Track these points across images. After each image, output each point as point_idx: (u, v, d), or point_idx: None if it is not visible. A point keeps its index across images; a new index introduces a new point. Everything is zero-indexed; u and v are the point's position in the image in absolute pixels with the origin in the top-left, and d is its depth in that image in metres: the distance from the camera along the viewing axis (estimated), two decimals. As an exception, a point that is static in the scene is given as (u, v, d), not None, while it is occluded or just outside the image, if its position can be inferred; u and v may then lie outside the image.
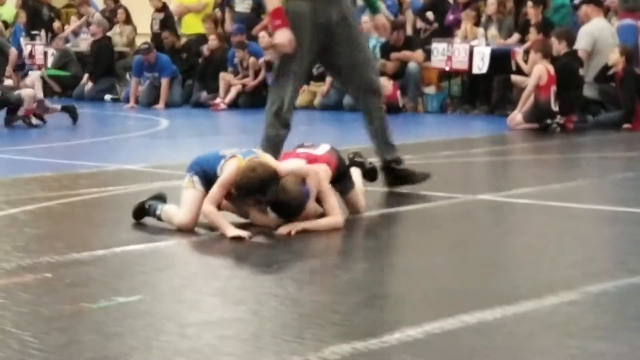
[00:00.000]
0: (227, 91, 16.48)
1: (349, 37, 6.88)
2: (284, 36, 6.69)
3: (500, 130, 11.99)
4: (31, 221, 6.34)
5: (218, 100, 16.35)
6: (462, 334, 3.73)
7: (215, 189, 5.64)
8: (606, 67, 12.53)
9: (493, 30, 14.91)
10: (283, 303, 4.26)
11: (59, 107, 13.49)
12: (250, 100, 16.30)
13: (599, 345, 3.60)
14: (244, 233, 5.48)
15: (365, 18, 16.16)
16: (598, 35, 13.03)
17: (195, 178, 5.79)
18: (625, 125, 12.11)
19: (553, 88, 12.05)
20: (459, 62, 14.59)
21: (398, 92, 15.11)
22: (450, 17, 16.54)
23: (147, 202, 5.97)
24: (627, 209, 6.32)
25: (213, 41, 16.85)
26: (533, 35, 13.73)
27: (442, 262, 5.07)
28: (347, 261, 5.31)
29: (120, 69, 18.80)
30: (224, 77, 16.51)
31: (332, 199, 5.75)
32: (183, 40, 18.32)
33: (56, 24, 20.90)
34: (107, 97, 18.16)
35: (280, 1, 6.78)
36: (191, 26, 18.29)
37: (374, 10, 7.39)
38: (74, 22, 20.26)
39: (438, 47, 14.92)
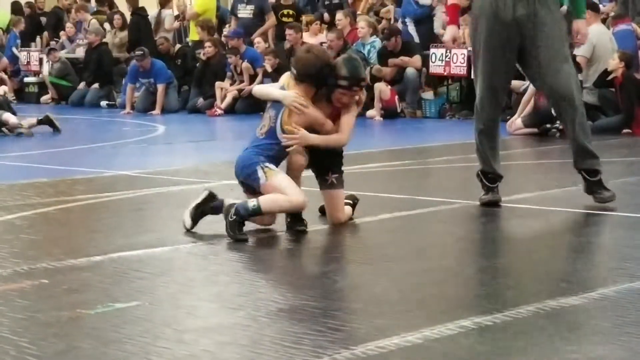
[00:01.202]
0: (223, 97, 16.52)
1: (541, 37, 6.42)
2: (446, 33, 6.76)
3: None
4: (28, 227, 6.35)
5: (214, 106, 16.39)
6: (461, 339, 3.74)
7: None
8: (605, 73, 12.55)
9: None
10: (281, 309, 4.27)
11: (34, 120, 13.29)
12: (247, 106, 16.31)
13: (599, 351, 3.61)
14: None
15: (362, 24, 16.27)
16: (597, 42, 13.05)
17: (269, 165, 5.81)
18: (625, 130, 12.14)
19: (552, 93, 12.08)
20: (457, 67, 14.62)
21: (396, 98, 15.14)
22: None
23: (208, 205, 5.91)
24: (627, 214, 6.33)
25: (209, 47, 16.88)
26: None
27: (440, 267, 5.08)
28: (346, 266, 5.32)
29: (116, 75, 18.83)
30: (220, 85, 16.55)
31: (351, 119, 5.95)
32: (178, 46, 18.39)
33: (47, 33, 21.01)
34: (103, 103, 18.20)
35: None
36: (195, 33, 18.39)
37: (578, 12, 6.75)
38: (69, 29, 20.26)
39: (436, 53, 14.96)
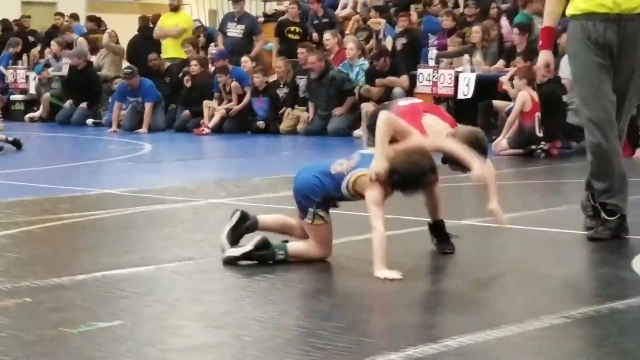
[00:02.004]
0: (211, 116, 16.54)
1: (627, 67, 6.19)
2: (539, 59, 6.54)
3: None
4: (12, 245, 6.34)
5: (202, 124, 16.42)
6: (445, 358, 3.75)
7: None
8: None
9: (478, 57, 15.03)
10: (266, 328, 4.27)
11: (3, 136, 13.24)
12: (235, 125, 16.37)
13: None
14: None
15: (351, 45, 16.33)
16: (581, 63, 13.13)
17: (321, 212, 5.60)
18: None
19: (537, 114, 12.17)
20: (445, 87, 14.68)
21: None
22: (436, 42, 16.65)
23: (255, 254, 5.60)
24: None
25: (195, 66, 16.90)
26: (519, 62, 13.85)
27: (425, 287, 5.10)
28: (331, 286, 5.32)
29: (103, 93, 18.85)
30: (207, 104, 16.58)
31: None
32: (166, 64, 18.38)
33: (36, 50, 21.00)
34: (89, 121, 18.20)
35: (551, 21, 6.55)
36: (168, 50, 18.43)
37: None
38: (54, 47, 20.23)
39: (424, 73, 15.03)
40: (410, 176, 5.37)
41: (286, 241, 5.71)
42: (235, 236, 5.76)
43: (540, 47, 6.45)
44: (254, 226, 5.81)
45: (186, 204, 8.09)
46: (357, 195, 5.50)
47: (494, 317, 4.41)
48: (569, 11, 6.32)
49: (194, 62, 16.94)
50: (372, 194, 5.38)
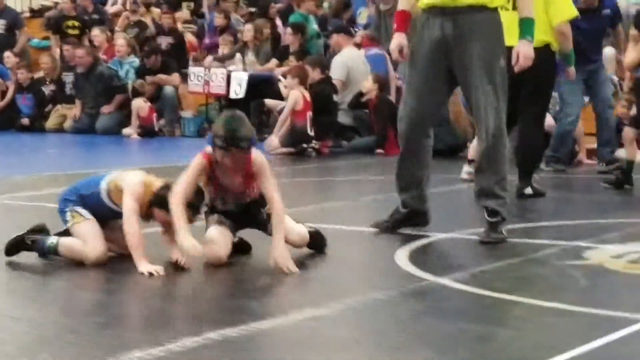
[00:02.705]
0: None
1: (464, 60, 6.14)
2: (392, 42, 6.31)
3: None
4: None
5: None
6: (205, 351, 3.75)
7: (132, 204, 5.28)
8: (360, 94, 12.95)
9: (250, 56, 15.14)
10: (20, 325, 4.17)
11: None
12: (-1, 122, 15.97)
13: (341, 357, 3.70)
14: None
15: (121, 42, 16.12)
16: (351, 65, 13.49)
17: (79, 209, 5.42)
18: (378, 150, 12.55)
19: (309, 113, 12.37)
20: (217, 87, 14.71)
21: (154, 116, 15.11)
22: (207, 41, 16.69)
23: (29, 237, 5.47)
24: (375, 229, 6.52)
25: None
26: (292, 61, 14.06)
27: (186, 283, 5.10)
28: (94, 283, 5.24)
29: None
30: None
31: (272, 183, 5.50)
32: None
33: None
34: None
35: (406, 4, 6.39)
36: None
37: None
38: None
39: (195, 72, 15.00)
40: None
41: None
42: (19, 248, 5.51)
43: (394, 30, 6.37)
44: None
45: None
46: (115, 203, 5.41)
47: (255, 310, 4.45)
48: (419, 4, 6.34)
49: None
50: (129, 203, 5.30)
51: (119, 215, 5.37)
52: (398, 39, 6.28)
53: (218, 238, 5.45)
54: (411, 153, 6.36)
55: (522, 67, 6.22)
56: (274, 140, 12.51)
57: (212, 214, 5.62)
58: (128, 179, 5.41)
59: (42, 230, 5.57)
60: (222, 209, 5.61)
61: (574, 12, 8.44)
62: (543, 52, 8.06)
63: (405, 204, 6.42)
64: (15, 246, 5.49)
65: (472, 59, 6.10)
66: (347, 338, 4.04)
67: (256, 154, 5.44)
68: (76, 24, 17.46)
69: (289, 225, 5.55)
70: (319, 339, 4.02)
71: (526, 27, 6.26)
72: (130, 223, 5.26)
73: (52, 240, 5.45)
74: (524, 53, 6.18)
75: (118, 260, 5.47)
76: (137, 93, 15.23)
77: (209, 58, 15.85)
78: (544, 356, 3.63)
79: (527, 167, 8.44)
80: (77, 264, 5.35)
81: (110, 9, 19.24)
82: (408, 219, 6.44)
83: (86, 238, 5.40)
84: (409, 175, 6.39)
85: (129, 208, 5.29)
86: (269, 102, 13.81)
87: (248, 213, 5.61)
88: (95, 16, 18.41)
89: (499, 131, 6.13)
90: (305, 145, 12.33)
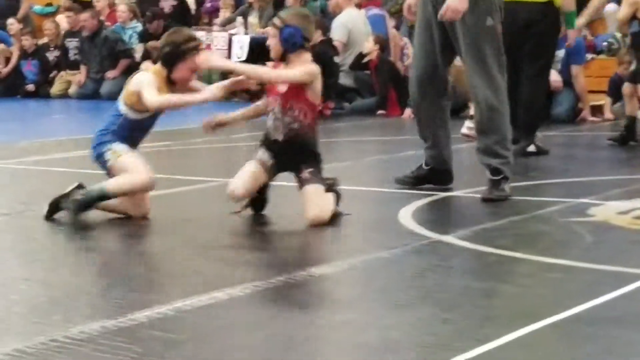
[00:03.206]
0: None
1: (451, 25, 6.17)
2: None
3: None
4: None
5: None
6: (213, 310, 3.77)
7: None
8: (361, 56, 12.91)
9: (253, 19, 15.07)
10: (32, 286, 4.19)
11: None
12: (3, 89, 15.91)
13: (346, 315, 3.72)
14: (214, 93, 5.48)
15: (123, 7, 16.03)
16: (352, 26, 13.42)
17: (116, 146, 5.49)
18: (380, 112, 12.53)
19: (311, 75, 12.32)
20: (219, 50, 14.65)
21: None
22: (208, 4, 16.61)
23: (73, 195, 5.42)
24: (378, 189, 6.54)
25: None
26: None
27: (191, 242, 5.10)
28: (101, 242, 5.25)
29: None
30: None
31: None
32: None
33: None
34: None
35: None
36: None
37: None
38: None
39: (197, 35, 14.94)
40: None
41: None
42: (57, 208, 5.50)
43: None
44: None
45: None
46: (135, 103, 5.47)
47: (261, 271, 4.48)
48: None
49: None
50: (149, 94, 5.37)
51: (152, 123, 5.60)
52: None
53: (245, 175, 5.54)
54: (423, 113, 6.38)
55: (448, 19, 6.11)
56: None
57: (262, 146, 5.64)
58: (134, 82, 5.48)
59: (80, 187, 5.55)
60: (273, 137, 5.59)
61: None
62: (546, 8, 8.07)
63: (427, 161, 6.49)
64: (55, 206, 5.48)
65: (457, 24, 6.11)
66: (351, 296, 4.07)
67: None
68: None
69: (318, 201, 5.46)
70: (323, 297, 4.05)
71: None
72: (159, 99, 5.38)
73: (96, 188, 5.45)
74: (452, 6, 6.02)
75: (125, 222, 5.50)
76: (147, 56, 15.13)
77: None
78: (549, 312, 3.64)
79: (530, 124, 8.41)
80: (85, 227, 5.38)
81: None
82: (430, 177, 6.49)
83: (132, 168, 5.46)
84: (428, 134, 6.42)
85: (152, 96, 5.36)
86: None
87: (294, 148, 5.56)
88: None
89: (495, 98, 6.15)
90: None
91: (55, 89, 15.86)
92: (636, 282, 4.10)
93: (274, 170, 5.63)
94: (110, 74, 15.38)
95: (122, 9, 15.99)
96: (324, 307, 3.89)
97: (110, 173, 5.54)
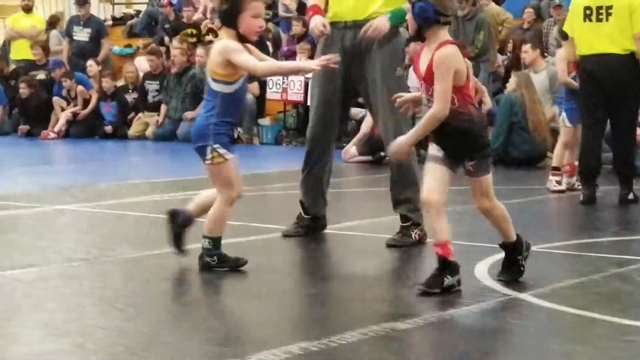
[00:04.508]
0: (56, 122, 16.31)
1: (362, 71, 6.42)
2: (312, 22, 6.45)
3: (334, 162, 12.16)
4: None
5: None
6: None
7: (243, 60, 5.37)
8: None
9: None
10: (109, 335, 4.25)
11: None
12: (82, 130, 16.18)
13: None
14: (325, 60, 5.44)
15: (200, 51, 16.26)
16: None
17: (218, 147, 5.46)
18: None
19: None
20: (295, 94, 14.79)
21: (235, 124, 15.24)
22: (285, 49, 16.78)
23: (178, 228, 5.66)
24: (455, 242, 6.50)
25: (24, 89, 16.55)
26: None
27: (272, 292, 5.13)
28: (179, 290, 5.31)
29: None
30: (57, 101, 16.35)
31: (444, 85, 5.01)
32: (12, 66, 18.02)
33: None
34: None
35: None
36: (20, 52, 18.01)
37: None
38: None
39: (273, 79, 15.09)
40: None
41: None
42: (178, 238, 5.69)
43: (310, 16, 6.48)
44: (188, 220, 5.70)
45: (30, 210, 7.95)
46: (225, 75, 5.44)
47: (336, 324, 4.48)
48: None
49: (22, 85, 16.56)
50: (240, 57, 5.36)
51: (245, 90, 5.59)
52: (316, 19, 6.38)
53: (432, 183, 4.99)
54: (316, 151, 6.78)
55: (369, 37, 6.29)
56: (351, 148, 12.54)
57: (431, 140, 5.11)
58: (218, 51, 5.43)
59: (175, 214, 5.71)
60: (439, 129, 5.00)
61: None
62: (629, 60, 8.13)
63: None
64: (179, 238, 5.67)
65: (371, 70, 6.33)
66: (422, 352, 4.06)
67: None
68: (194, 32, 17.55)
69: None
70: (399, 351, 4.04)
71: (396, 11, 6.29)
72: (266, 64, 5.46)
73: (206, 245, 5.53)
74: (376, 25, 6.24)
75: (195, 270, 5.55)
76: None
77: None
78: (627, 376, 3.61)
79: (625, 174, 8.56)
80: (142, 269, 5.43)
81: (191, 17, 19.40)
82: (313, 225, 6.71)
83: (225, 182, 5.49)
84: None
85: (253, 61, 5.38)
86: (354, 110, 13.81)
87: (463, 141, 5.02)
88: (175, 23, 18.59)
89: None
90: (383, 154, 12.31)
91: (133, 130, 16.10)
92: None
93: (456, 162, 5.06)
94: (189, 114, 15.44)
95: (199, 52, 16.20)
96: (399, 364, 3.88)
97: (207, 168, 5.56)
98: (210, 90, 5.52)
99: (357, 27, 6.36)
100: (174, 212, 5.73)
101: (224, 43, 5.45)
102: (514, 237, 5.24)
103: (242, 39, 5.47)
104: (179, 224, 5.68)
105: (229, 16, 5.47)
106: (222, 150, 5.46)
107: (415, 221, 6.41)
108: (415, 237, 6.40)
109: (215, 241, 5.53)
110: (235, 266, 5.54)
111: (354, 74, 6.43)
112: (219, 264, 5.52)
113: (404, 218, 6.47)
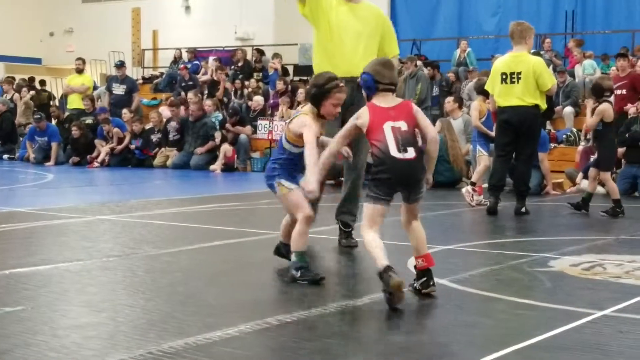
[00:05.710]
0: (98, 154, 16.33)
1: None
2: None
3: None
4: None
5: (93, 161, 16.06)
6: (267, 333, 3.77)
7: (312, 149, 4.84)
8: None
9: (303, 112, 15.21)
10: (134, 311, 4.23)
11: None
12: (118, 161, 16.19)
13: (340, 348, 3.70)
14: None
15: (209, 102, 16.25)
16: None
17: (283, 181, 5.14)
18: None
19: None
20: (278, 134, 14.83)
21: (235, 156, 15.33)
22: (271, 101, 16.85)
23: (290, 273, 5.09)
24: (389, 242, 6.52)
25: (75, 131, 16.46)
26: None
27: (257, 280, 5.10)
28: (184, 279, 5.29)
29: (17, 135, 18.36)
30: (99, 143, 16.36)
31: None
32: (67, 113, 18.03)
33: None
34: (5, 156, 17.68)
35: None
36: (73, 103, 18.03)
37: None
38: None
39: (262, 123, 15.28)
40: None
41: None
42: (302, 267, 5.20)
43: None
44: (285, 246, 5.39)
45: (78, 220, 7.91)
46: (296, 140, 5.07)
47: (310, 300, 4.47)
48: None
49: (74, 129, 16.48)
50: (308, 136, 4.93)
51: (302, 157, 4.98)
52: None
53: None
54: None
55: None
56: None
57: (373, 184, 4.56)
58: (299, 123, 5.04)
59: (278, 249, 5.55)
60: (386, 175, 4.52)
61: (554, 80, 8.96)
62: (533, 110, 8.68)
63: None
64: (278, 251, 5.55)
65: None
66: (375, 324, 4.05)
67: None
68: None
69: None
70: (351, 323, 4.03)
71: None
72: (309, 148, 4.85)
73: (292, 265, 5.10)
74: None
75: (210, 263, 5.51)
76: (224, 139, 15.40)
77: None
78: (515, 341, 3.63)
79: (522, 192, 8.79)
80: (168, 263, 5.40)
81: (201, 77, 19.47)
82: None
83: (295, 205, 5.10)
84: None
85: (308, 140, 4.90)
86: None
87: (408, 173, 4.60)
88: (190, 82, 18.63)
89: (361, 169, 6.38)
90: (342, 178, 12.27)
91: (157, 161, 16.06)
92: (583, 318, 4.09)
93: (390, 199, 4.65)
94: (199, 150, 15.62)
95: (208, 103, 16.22)
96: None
97: (279, 199, 5.27)
98: (282, 146, 5.20)
99: (353, 81, 6.08)
100: (277, 249, 5.53)
101: (307, 121, 5.02)
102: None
103: (321, 116, 5.13)
104: (286, 253, 5.38)
105: (316, 99, 5.04)
106: (286, 183, 5.18)
107: (353, 228, 6.42)
108: (354, 240, 6.36)
109: (299, 255, 5.06)
110: (312, 280, 4.96)
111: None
112: (302, 277, 4.99)
113: (347, 225, 6.44)
